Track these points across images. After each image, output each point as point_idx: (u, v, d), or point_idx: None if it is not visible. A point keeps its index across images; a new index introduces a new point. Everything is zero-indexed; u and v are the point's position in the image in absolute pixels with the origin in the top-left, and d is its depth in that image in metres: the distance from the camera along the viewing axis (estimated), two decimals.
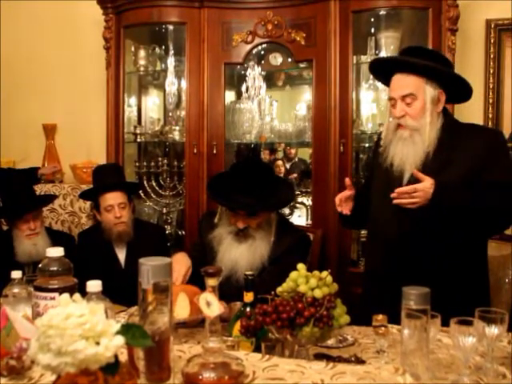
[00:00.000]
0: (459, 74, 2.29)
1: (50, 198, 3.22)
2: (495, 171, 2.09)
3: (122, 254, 2.97)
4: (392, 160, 2.20)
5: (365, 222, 2.46)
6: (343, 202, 2.31)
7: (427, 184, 2.02)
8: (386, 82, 2.30)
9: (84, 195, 3.18)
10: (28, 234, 2.89)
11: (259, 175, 2.46)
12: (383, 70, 2.31)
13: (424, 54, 2.21)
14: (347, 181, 2.30)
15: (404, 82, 2.17)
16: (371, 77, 3.40)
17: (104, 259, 2.92)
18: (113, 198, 2.91)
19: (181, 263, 2.29)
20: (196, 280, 2.00)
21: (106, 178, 2.99)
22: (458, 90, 2.26)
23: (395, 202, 2.07)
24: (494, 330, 1.48)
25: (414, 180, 2.11)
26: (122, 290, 2.07)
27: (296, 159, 4.04)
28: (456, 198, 2.05)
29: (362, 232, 3.39)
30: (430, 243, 2.14)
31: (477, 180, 2.08)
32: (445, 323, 1.55)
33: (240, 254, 2.40)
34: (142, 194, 3.65)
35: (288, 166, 4.02)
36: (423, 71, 2.14)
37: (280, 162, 3.96)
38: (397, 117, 2.17)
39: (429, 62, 2.16)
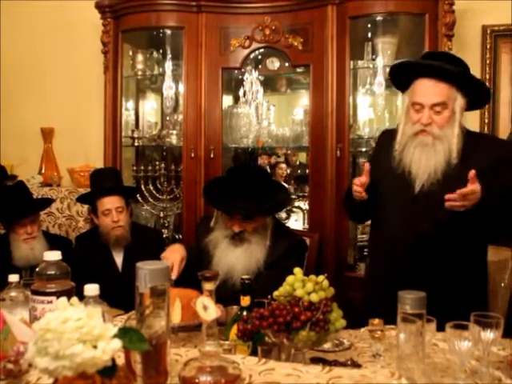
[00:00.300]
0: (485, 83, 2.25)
1: (46, 203, 3.22)
2: (506, 180, 2.07)
3: (119, 258, 2.97)
4: (409, 166, 2.16)
5: (367, 216, 2.45)
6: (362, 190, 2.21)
7: (479, 187, 1.96)
8: (402, 86, 2.25)
9: (81, 199, 3.19)
10: (25, 238, 2.89)
11: (255, 179, 2.47)
12: (405, 73, 2.22)
13: (449, 61, 2.14)
14: (367, 166, 2.21)
15: (437, 90, 2.10)
16: (368, 82, 3.43)
17: (101, 263, 2.93)
18: (110, 202, 2.92)
19: (176, 253, 2.30)
20: (192, 284, 2.00)
21: (103, 182, 3.00)
22: (479, 98, 2.22)
23: (448, 204, 1.99)
24: (489, 335, 1.48)
25: (426, 187, 2.10)
26: (119, 294, 2.07)
27: (297, 163, 4.05)
28: (491, 204, 2.03)
29: (359, 236, 3.41)
30: (446, 248, 2.12)
31: (487, 189, 2.04)
32: (443, 328, 1.56)
33: (236, 257, 2.40)
34: (139, 198, 3.66)
35: (289, 170, 4.03)
36: (456, 79, 2.09)
37: (284, 166, 3.96)
38: (423, 123, 2.11)
39: (463, 70, 2.11)
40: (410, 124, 2.18)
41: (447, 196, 1.97)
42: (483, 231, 2.14)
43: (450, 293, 2.09)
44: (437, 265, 2.13)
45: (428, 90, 2.12)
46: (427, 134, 2.12)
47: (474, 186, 1.94)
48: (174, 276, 2.21)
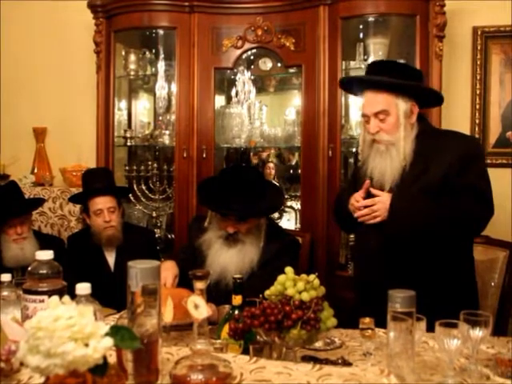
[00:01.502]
0: (426, 85, 2.38)
1: (36, 203, 3.19)
2: (467, 177, 2.13)
3: (111, 258, 2.97)
4: (371, 174, 2.24)
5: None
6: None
7: (384, 196, 2.12)
8: (359, 95, 2.35)
9: (73, 199, 3.19)
10: (15, 239, 2.88)
11: (249, 180, 2.47)
12: (354, 88, 2.37)
13: (391, 68, 2.25)
14: (367, 183, 2.24)
15: (375, 100, 2.20)
16: None
17: (93, 263, 2.93)
18: (102, 203, 2.92)
19: (168, 270, 2.29)
20: (184, 283, 2.01)
21: (95, 182, 2.99)
22: (429, 98, 2.33)
23: (359, 219, 2.17)
24: (478, 333, 1.50)
25: (390, 192, 2.18)
26: (111, 294, 2.08)
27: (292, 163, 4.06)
28: (413, 208, 2.12)
29: (351, 236, 3.42)
30: (410, 251, 2.17)
31: (450, 187, 2.12)
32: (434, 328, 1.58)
33: (229, 258, 2.40)
34: (131, 198, 3.66)
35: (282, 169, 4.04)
36: (393, 88, 2.18)
37: (271, 165, 3.97)
38: (371, 133, 2.21)
39: (397, 76, 2.19)
40: (367, 134, 2.27)
41: (356, 214, 2.18)
42: (445, 229, 2.16)
43: (437, 292, 2.11)
44: (411, 267, 2.16)
45: (369, 100, 2.24)
46: (379, 142, 2.22)
47: (373, 198, 2.13)
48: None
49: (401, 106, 2.19)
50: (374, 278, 2.23)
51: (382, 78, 2.20)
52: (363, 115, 2.26)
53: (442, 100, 2.38)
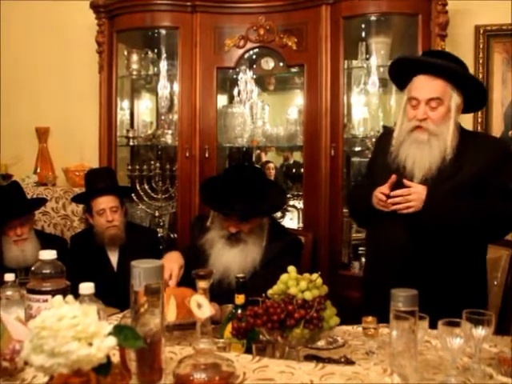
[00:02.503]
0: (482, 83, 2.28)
1: (36, 204, 3.17)
2: (500, 178, 2.11)
3: (114, 258, 2.98)
4: (404, 162, 2.18)
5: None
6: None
7: (419, 188, 2.04)
8: (401, 83, 2.27)
9: (76, 199, 3.19)
10: (15, 240, 2.88)
11: (251, 180, 2.48)
12: (404, 71, 2.25)
13: (447, 59, 2.18)
14: (393, 178, 2.16)
15: (432, 85, 2.13)
16: (362, 81, 3.44)
17: (96, 263, 2.93)
18: (105, 202, 2.92)
19: (174, 262, 2.30)
20: (187, 283, 2.02)
21: (97, 181, 3.00)
22: (472, 100, 2.24)
23: (391, 208, 2.08)
24: (481, 332, 1.50)
25: (421, 184, 2.12)
26: (114, 293, 2.08)
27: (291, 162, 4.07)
28: (449, 203, 2.07)
29: (354, 235, 3.42)
30: (442, 246, 2.14)
31: (482, 187, 2.09)
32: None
33: (232, 258, 2.41)
34: (134, 197, 3.66)
35: (284, 168, 4.04)
36: (452, 76, 2.11)
37: (271, 165, 3.98)
38: (418, 118, 2.13)
39: (458, 68, 2.14)
40: (407, 121, 2.20)
41: (389, 200, 2.10)
42: (478, 229, 2.15)
43: (449, 292, 2.10)
44: (434, 264, 2.14)
45: (424, 85, 2.15)
46: (423, 131, 2.14)
47: (409, 188, 2.07)
48: (172, 285, 2.20)
49: (454, 99, 2.13)
50: (386, 276, 2.18)
51: (444, 62, 2.12)
52: (412, 98, 2.16)
53: (481, 106, 2.37)
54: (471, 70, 3.42)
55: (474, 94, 2.21)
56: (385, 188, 2.16)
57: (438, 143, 2.13)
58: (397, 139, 2.23)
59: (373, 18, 3.27)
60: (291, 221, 3.73)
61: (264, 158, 4.03)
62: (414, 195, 2.06)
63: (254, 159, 3.95)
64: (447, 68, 2.12)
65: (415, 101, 2.15)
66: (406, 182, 2.10)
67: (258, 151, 3.97)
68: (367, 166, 2.62)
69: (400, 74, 2.30)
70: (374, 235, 2.41)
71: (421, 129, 2.14)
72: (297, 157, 3.96)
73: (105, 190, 2.95)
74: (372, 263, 2.44)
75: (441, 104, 2.12)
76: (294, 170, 3.99)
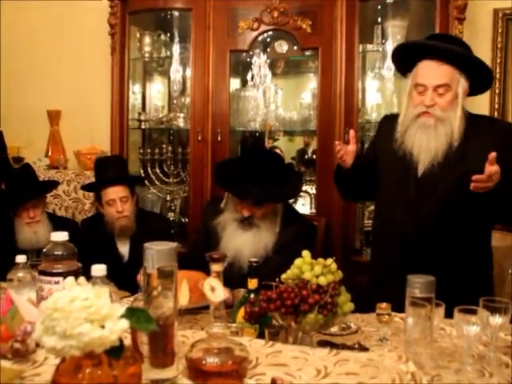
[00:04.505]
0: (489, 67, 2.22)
1: (48, 187, 3.16)
2: (508, 163, 2.02)
3: (124, 248, 2.93)
4: (411, 148, 2.15)
5: (359, 194, 2.51)
6: (343, 153, 2.22)
7: (498, 168, 1.94)
8: (405, 69, 2.23)
9: (86, 188, 3.17)
10: (28, 222, 2.88)
11: (269, 165, 2.45)
12: (409, 55, 2.20)
13: (453, 43, 2.14)
14: (352, 132, 2.24)
15: (440, 71, 2.09)
16: (377, 66, 3.39)
17: (105, 251, 2.88)
18: (114, 192, 2.86)
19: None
20: (199, 267, 2.00)
21: (107, 171, 2.93)
22: (477, 83, 2.19)
23: (473, 185, 1.95)
24: (497, 320, 1.48)
25: (428, 170, 2.09)
26: (124, 283, 2.06)
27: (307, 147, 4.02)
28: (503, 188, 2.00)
29: (366, 221, 3.40)
30: (448, 232, 2.12)
31: None
32: (448, 314, 1.55)
33: (244, 241, 2.39)
34: (145, 181, 3.64)
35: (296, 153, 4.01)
36: (459, 61, 2.07)
37: (277, 150, 3.94)
38: (426, 105, 2.10)
39: (467, 52, 2.10)
40: (412, 106, 2.17)
41: (475, 177, 1.93)
42: (485, 213, 2.11)
43: (454, 278, 2.08)
44: (440, 248, 2.13)
45: (431, 71, 2.11)
46: (429, 116, 2.11)
47: (496, 167, 1.91)
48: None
49: (462, 84, 2.09)
50: (398, 260, 2.18)
51: (453, 47, 2.09)
52: (418, 85, 2.12)
53: (486, 89, 2.29)
54: (489, 55, 3.38)
55: (480, 77, 2.18)
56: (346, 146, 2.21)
57: (445, 129, 2.10)
58: (402, 125, 2.20)
59: (389, 0, 3.21)
60: (303, 206, 3.70)
61: (276, 143, 3.99)
62: (496, 175, 1.94)
63: (267, 143, 3.92)
64: (454, 52, 2.08)
65: (422, 87, 2.11)
66: (492, 156, 1.92)
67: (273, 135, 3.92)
68: (366, 149, 2.58)
69: (403, 59, 2.26)
70: (381, 219, 2.38)
71: (428, 114, 2.11)
72: (310, 142, 3.91)
73: (114, 181, 2.88)
74: (378, 248, 2.44)
75: (448, 90, 2.08)
76: (306, 156, 3.95)
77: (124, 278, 2.15)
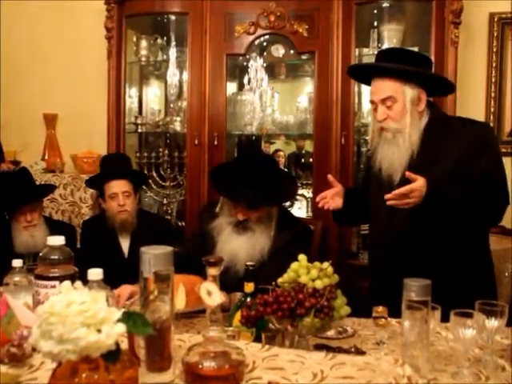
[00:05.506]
0: (436, 72, 2.35)
1: (46, 191, 3.17)
2: (483, 164, 2.08)
3: (125, 243, 2.98)
4: (381, 163, 2.22)
5: (360, 220, 2.58)
6: (330, 199, 2.33)
7: (421, 183, 2.00)
8: (367, 83, 2.31)
9: (90, 181, 3.19)
10: (25, 226, 2.88)
11: (263, 169, 2.45)
12: (362, 75, 2.34)
13: (400, 56, 2.22)
14: (330, 177, 2.36)
15: (382, 86, 2.17)
16: None
17: (107, 248, 2.94)
18: (117, 186, 2.93)
19: (124, 288, 2.19)
20: (194, 271, 2.00)
21: (112, 165, 3.03)
22: (439, 86, 2.28)
23: (389, 203, 2.05)
24: (493, 323, 1.48)
25: (404, 181, 2.09)
26: (124, 279, 2.07)
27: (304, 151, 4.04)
28: (446, 195, 2.04)
29: (362, 225, 3.40)
30: (424, 240, 2.14)
31: (464, 175, 2.06)
32: (447, 318, 1.55)
33: (239, 245, 2.38)
34: (146, 181, 3.64)
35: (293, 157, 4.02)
36: (399, 74, 2.15)
37: (281, 153, 3.95)
38: (379, 120, 2.18)
39: (405, 63, 2.16)
40: (375, 122, 2.25)
41: (386, 196, 2.03)
42: (466, 216, 2.11)
43: (450, 281, 2.08)
44: (430, 253, 2.14)
45: (376, 87, 2.21)
46: (386, 130, 2.18)
47: (412, 185, 1.98)
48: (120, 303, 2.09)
49: (407, 93, 2.15)
50: (389, 266, 2.21)
51: (389, 64, 2.18)
52: (371, 102, 2.23)
53: (453, 88, 2.34)
54: (485, 58, 3.40)
55: (436, 82, 2.27)
56: (329, 191, 2.32)
57: (404, 139, 2.16)
58: (371, 142, 2.30)
59: (385, 4, 3.23)
60: (300, 210, 3.71)
61: (273, 147, 4.00)
62: (416, 192, 2.00)
63: (263, 147, 3.93)
64: (391, 69, 2.16)
65: (374, 104, 2.21)
66: (408, 174, 2.02)
67: (270, 139, 3.94)
68: (364, 165, 2.69)
69: (362, 78, 2.40)
70: (373, 224, 2.43)
71: (385, 129, 2.19)
72: (306, 145, 3.92)
73: (118, 174, 2.96)
74: (373, 252, 2.48)
75: (395, 102, 2.15)
76: (303, 159, 3.96)
77: (124, 273, 2.17)
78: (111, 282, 1.60)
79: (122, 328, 1.05)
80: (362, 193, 2.41)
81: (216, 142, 3.41)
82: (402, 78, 2.15)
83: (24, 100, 4.12)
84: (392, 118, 2.16)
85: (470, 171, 2.07)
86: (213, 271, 1.33)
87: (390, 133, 2.17)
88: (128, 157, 3.36)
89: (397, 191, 2.01)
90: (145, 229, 2.95)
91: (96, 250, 2.85)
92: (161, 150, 3.70)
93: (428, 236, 2.14)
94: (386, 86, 2.16)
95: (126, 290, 2.17)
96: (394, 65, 2.17)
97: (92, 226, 3.09)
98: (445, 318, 1.58)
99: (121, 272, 2.23)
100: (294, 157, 4.04)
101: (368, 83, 2.30)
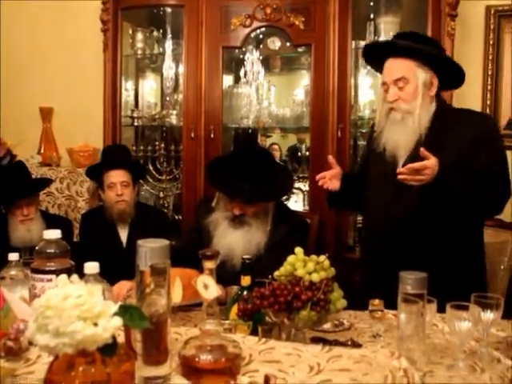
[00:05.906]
0: (451, 58, 2.28)
1: (42, 185, 3.17)
2: (484, 157, 2.07)
3: (124, 234, 3.00)
4: (385, 145, 2.20)
5: (354, 206, 2.52)
6: (328, 179, 2.31)
7: (434, 162, 1.97)
8: (380, 69, 2.29)
9: (89, 171, 3.19)
10: (21, 220, 2.88)
11: (259, 163, 2.44)
12: (376, 56, 2.29)
13: (416, 39, 2.21)
14: (330, 158, 2.34)
15: (396, 66, 2.17)
16: None
17: (106, 239, 2.96)
18: (116, 176, 2.95)
19: (122, 285, 2.15)
20: (191, 265, 2.00)
21: (111, 155, 3.06)
22: (450, 75, 2.24)
23: (400, 177, 2.00)
24: (489, 315, 1.48)
25: (408, 163, 2.07)
26: (123, 270, 2.07)
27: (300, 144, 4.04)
28: (453, 181, 2.04)
29: (359, 218, 3.40)
30: (421, 229, 2.14)
31: (467, 166, 2.05)
32: (441, 309, 1.56)
33: (235, 239, 2.38)
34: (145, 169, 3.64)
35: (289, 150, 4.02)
36: (414, 54, 2.14)
37: (277, 147, 3.95)
38: (389, 101, 2.17)
39: (420, 45, 2.16)
40: (384, 103, 2.24)
41: (398, 170, 2.01)
42: (466, 208, 2.11)
43: (441, 274, 2.08)
44: (426, 243, 2.13)
45: (389, 67, 2.20)
46: (396, 111, 2.17)
47: (425, 162, 1.96)
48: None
49: (420, 75, 2.14)
50: (385, 255, 2.21)
51: (405, 42, 2.16)
52: (383, 83, 2.21)
53: (463, 78, 2.29)
54: (481, 51, 3.39)
55: (450, 70, 2.23)
56: (328, 172, 2.30)
57: (413, 121, 2.15)
58: (378, 124, 2.28)
59: None
60: (296, 203, 3.71)
61: (270, 140, 3.99)
62: (429, 170, 1.98)
63: (260, 140, 3.92)
64: (406, 47, 2.15)
65: (385, 85, 2.19)
66: (422, 151, 1.99)
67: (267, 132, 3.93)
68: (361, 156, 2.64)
69: (373, 60, 2.36)
70: (368, 214, 2.43)
71: (394, 109, 2.18)
72: (307, 138, 3.91)
73: (116, 164, 2.98)
74: (368, 241, 2.46)
75: (407, 82, 2.14)
76: (299, 152, 3.95)
77: (122, 263, 2.16)
78: (109, 272, 1.60)
79: (118, 321, 1.05)
80: (357, 180, 2.40)
81: (212, 136, 3.40)
82: (415, 58, 2.14)
83: (20, 94, 4.10)
84: (403, 99, 2.15)
85: (473, 163, 2.05)
86: (209, 264, 1.33)
87: (400, 113, 2.16)
88: (128, 149, 3.36)
89: (410, 165, 1.98)
90: (143, 220, 2.97)
91: (95, 241, 2.88)
92: (157, 143, 3.69)
93: (425, 225, 2.13)
94: (399, 66, 2.15)
95: (124, 286, 2.17)
96: (408, 43, 2.15)
97: (91, 218, 3.10)
98: (439, 309, 1.59)
99: (119, 263, 2.23)
100: (293, 150, 4.02)
101: (380, 70, 2.28)
